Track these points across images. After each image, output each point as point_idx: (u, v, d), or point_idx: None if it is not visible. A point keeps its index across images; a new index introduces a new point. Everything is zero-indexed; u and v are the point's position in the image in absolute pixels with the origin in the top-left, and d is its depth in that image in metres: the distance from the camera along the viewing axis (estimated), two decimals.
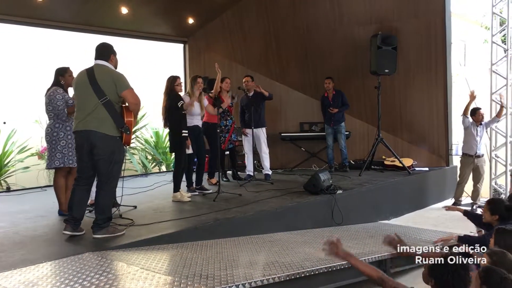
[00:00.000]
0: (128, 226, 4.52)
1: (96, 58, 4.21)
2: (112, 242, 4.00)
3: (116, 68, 4.30)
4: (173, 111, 5.80)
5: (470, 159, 7.52)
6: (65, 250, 3.78)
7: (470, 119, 7.52)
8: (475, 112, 7.49)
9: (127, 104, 4.24)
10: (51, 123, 5.07)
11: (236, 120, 7.72)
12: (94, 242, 4.02)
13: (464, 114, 7.50)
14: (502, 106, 7.51)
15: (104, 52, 4.23)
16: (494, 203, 4.51)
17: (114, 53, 4.30)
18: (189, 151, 6.18)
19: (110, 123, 4.05)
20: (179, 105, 5.74)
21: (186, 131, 5.88)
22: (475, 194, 7.53)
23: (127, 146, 4.36)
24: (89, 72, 4.11)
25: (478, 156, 7.49)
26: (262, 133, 7.56)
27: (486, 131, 7.57)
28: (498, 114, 7.47)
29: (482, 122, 7.48)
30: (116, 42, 10.10)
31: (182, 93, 6.09)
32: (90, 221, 4.23)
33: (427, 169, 8.41)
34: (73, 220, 4.14)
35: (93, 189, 4.33)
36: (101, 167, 4.10)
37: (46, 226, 4.71)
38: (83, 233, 4.22)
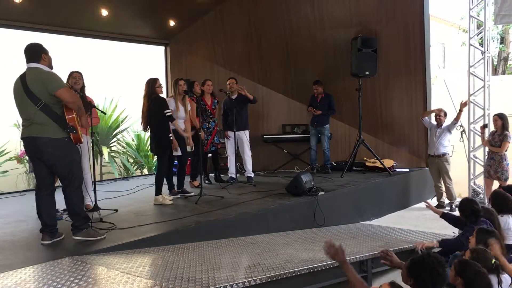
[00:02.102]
0: (109, 230, 4.48)
1: (27, 62, 4.03)
2: (92, 246, 3.96)
3: (51, 66, 4.11)
4: (158, 115, 5.76)
5: (432, 159, 7.76)
6: (44, 255, 3.73)
7: (434, 121, 7.73)
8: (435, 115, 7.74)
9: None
10: None
11: (219, 123, 7.70)
12: (74, 247, 3.97)
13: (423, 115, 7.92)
14: (460, 111, 7.61)
15: (34, 53, 4.04)
16: (463, 204, 4.58)
17: (45, 51, 4.09)
18: (178, 152, 6.17)
19: (53, 126, 3.93)
20: (166, 114, 5.71)
21: (171, 135, 5.87)
22: (447, 193, 7.69)
23: (80, 144, 4.21)
24: (22, 79, 3.96)
25: (438, 156, 7.64)
26: (245, 136, 7.54)
27: (450, 133, 7.65)
28: (456, 118, 7.58)
29: (443, 125, 7.62)
30: (96, 44, 10.06)
31: (163, 95, 6.06)
32: (68, 225, 4.18)
33: (407, 170, 8.52)
34: (47, 228, 4.07)
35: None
36: (58, 171, 4.04)
37: (25, 231, 4.64)
38: (62, 237, 4.16)
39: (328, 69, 8.99)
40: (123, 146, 10.65)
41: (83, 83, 5.34)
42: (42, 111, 3.89)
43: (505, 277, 3.30)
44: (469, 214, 4.37)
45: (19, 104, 4.04)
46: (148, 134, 10.41)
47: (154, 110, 5.76)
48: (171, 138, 5.86)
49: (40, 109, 3.88)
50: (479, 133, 8.03)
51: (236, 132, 7.37)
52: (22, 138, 4.06)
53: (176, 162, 6.51)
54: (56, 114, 3.95)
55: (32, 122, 3.93)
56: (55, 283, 3.07)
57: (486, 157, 7.35)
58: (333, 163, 8.62)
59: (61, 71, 4.19)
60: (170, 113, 5.78)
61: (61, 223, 4.35)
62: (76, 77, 5.25)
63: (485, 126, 7.53)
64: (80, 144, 4.21)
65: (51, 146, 3.93)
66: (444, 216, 4.97)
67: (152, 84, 5.84)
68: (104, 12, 7.81)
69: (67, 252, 3.78)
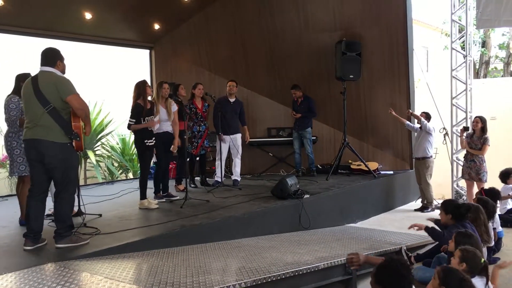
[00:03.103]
0: (93, 235, 4.43)
1: (41, 65, 4.08)
2: (75, 251, 3.91)
3: (63, 73, 4.17)
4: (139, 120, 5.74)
5: (416, 161, 7.92)
6: (27, 261, 3.67)
7: (416, 125, 7.89)
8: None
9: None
10: (7, 130, 4.95)
11: (210, 126, 7.61)
12: (57, 252, 3.92)
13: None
14: (416, 117, 7.73)
15: (50, 58, 4.10)
16: (445, 204, 4.67)
17: (61, 58, 4.17)
18: (153, 159, 6.14)
19: (58, 131, 3.96)
20: (141, 120, 5.69)
21: (151, 141, 5.82)
22: (422, 196, 7.81)
23: (81, 152, 4.25)
24: (33, 80, 4.01)
25: (418, 159, 7.77)
26: (238, 138, 7.55)
27: (431, 134, 7.73)
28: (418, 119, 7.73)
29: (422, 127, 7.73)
30: (80, 48, 9.99)
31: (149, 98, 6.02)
32: (52, 230, 4.13)
33: (391, 172, 8.59)
34: (32, 233, 4.02)
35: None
36: (55, 176, 4.03)
37: (6, 236, 4.57)
38: (45, 243, 4.11)
39: (312, 73, 9.04)
40: (107, 150, 10.58)
41: None
42: (49, 115, 3.93)
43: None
44: (454, 210, 4.47)
45: (26, 104, 4.08)
46: (133, 137, 10.43)
47: (133, 114, 5.74)
48: (151, 143, 5.81)
49: (48, 112, 3.92)
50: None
51: (232, 135, 7.36)
52: (24, 139, 4.07)
53: (154, 165, 6.47)
54: (62, 119, 3.99)
55: (36, 124, 3.96)
56: None
57: (465, 159, 7.41)
58: (318, 166, 8.67)
59: None
60: (131, 122, 5.72)
61: (43, 228, 4.27)
62: None
63: (465, 129, 7.62)
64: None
65: (53, 149, 3.95)
66: (427, 230, 4.93)
67: (139, 87, 5.80)
68: (88, 16, 7.77)
69: (50, 258, 3.73)
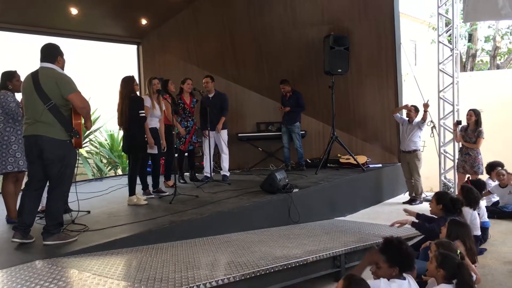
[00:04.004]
0: (81, 232, 4.42)
1: (41, 60, 4.09)
2: (63, 248, 3.90)
3: (63, 69, 4.19)
4: (134, 114, 5.69)
5: (403, 154, 7.96)
6: (14, 259, 3.66)
7: (405, 117, 7.92)
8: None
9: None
10: (2, 127, 4.89)
11: (197, 121, 7.62)
12: (45, 249, 3.90)
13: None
14: (425, 111, 7.73)
15: (50, 53, 4.11)
16: (440, 194, 4.74)
17: (61, 54, 4.18)
18: (154, 151, 6.13)
19: (58, 127, 3.97)
20: (140, 115, 5.67)
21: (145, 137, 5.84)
22: (414, 188, 7.89)
23: (79, 150, 4.26)
24: (34, 76, 4.00)
25: (409, 152, 7.81)
26: (224, 134, 7.51)
27: (421, 129, 7.81)
28: (423, 118, 7.72)
29: (414, 121, 7.78)
30: (66, 43, 9.89)
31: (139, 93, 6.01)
32: (40, 228, 4.11)
33: (380, 165, 8.65)
34: (23, 226, 4.01)
35: (44, 194, 4.21)
36: (51, 172, 4.01)
37: None
38: (33, 240, 4.09)
39: (301, 67, 9.05)
40: (95, 147, 10.52)
41: None
42: (50, 111, 3.93)
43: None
44: (447, 203, 4.53)
45: (26, 100, 4.08)
46: (121, 133, 10.36)
47: (131, 109, 5.69)
48: (145, 138, 5.82)
49: (49, 109, 3.92)
50: (449, 129, 8.20)
51: (213, 131, 7.35)
52: (24, 136, 4.08)
53: (150, 161, 6.46)
54: (63, 116, 4.00)
55: (37, 121, 3.96)
56: (24, 286, 3.02)
57: (460, 152, 7.47)
58: (307, 160, 8.69)
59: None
60: (143, 115, 5.73)
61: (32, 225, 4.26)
62: None
63: (458, 122, 7.63)
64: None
65: (53, 145, 3.96)
66: (414, 224, 4.96)
67: (130, 83, 5.78)
68: (74, 11, 7.69)
69: (38, 255, 3.71)
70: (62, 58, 4.19)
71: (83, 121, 4.22)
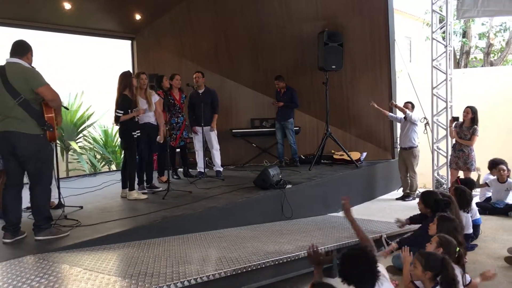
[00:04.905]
0: (74, 227, 4.42)
1: (10, 55, 4.04)
2: (55, 244, 3.90)
3: (30, 65, 4.12)
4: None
5: (400, 151, 8.06)
6: (5, 254, 3.66)
7: (400, 115, 8.00)
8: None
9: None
10: None
11: (187, 117, 7.63)
12: (36, 244, 3.90)
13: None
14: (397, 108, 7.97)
15: (21, 49, 4.06)
16: (425, 196, 4.77)
17: (31, 50, 4.12)
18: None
19: (30, 122, 3.93)
20: (116, 114, 5.65)
21: (138, 132, 5.82)
22: (410, 185, 7.93)
23: (54, 143, 4.21)
24: (1, 72, 3.94)
25: (405, 149, 7.86)
26: (212, 130, 7.53)
27: (416, 124, 7.85)
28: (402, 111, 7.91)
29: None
30: (61, 38, 9.85)
31: None
32: (31, 223, 4.10)
33: (374, 162, 8.67)
34: (11, 226, 4.00)
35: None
36: (28, 168, 4.00)
37: None
38: (24, 236, 4.09)
39: (295, 63, 9.05)
40: (89, 142, 10.48)
41: None
42: (20, 106, 3.88)
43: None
44: (432, 204, 4.55)
45: None
46: (115, 129, 10.34)
47: (121, 105, 5.68)
48: (138, 134, 5.80)
49: (19, 104, 3.88)
50: (442, 125, 8.24)
51: (204, 127, 7.35)
52: None
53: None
54: (34, 110, 3.95)
55: (7, 116, 3.91)
56: (15, 281, 3.02)
57: (453, 149, 7.50)
58: (301, 156, 8.70)
59: None
60: (119, 114, 5.67)
61: (23, 221, 4.25)
62: None
63: (455, 119, 7.62)
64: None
65: (26, 141, 3.91)
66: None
67: (126, 78, 5.76)
68: (67, 6, 7.63)
69: (29, 250, 3.72)
70: (31, 56, 4.14)
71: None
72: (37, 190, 4.04)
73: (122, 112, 5.66)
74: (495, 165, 7.01)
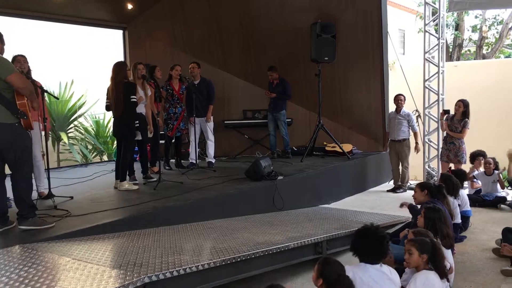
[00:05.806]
0: (63, 217, 4.40)
1: None
2: (44, 234, 3.88)
3: (1, 54, 4.04)
4: (128, 99, 5.63)
5: (392, 143, 8.02)
6: None
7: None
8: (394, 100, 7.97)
9: None
10: None
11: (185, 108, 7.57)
12: (25, 234, 3.88)
13: None
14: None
15: None
16: (423, 183, 4.83)
17: (3, 42, 4.05)
18: (138, 137, 6.10)
19: (3, 111, 3.84)
20: (131, 100, 5.61)
21: (137, 122, 5.82)
22: (401, 177, 7.99)
23: (30, 130, 4.14)
24: None
25: (399, 141, 7.88)
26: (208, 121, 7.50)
27: (408, 119, 7.87)
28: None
29: (402, 111, 7.84)
30: (51, 28, 9.75)
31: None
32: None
33: (365, 153, 8.69)
34: None
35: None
36: (6, 157, 3.95)
37: None
38: (13, 225, 4.06)
39: (288, 54, 9.03)
40: (81, 133, 10.42)
41: (29, 66, 5.17)
42: None
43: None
44: (431, 188, 4.64)
45: None
46: (107, 119, 10.29)
47: (126, 94, 5.61)
48: (137, 124, 5.79)
49: None
50: (434, 118, 8.27)
51: (199, 118, 7.32)
52: None
53: (136, 148, 6.43)
54: (6, 99, 3.86)
55: None
56: (3, 271, 3.00)
57: (444, 141, 7.53)
58: (293, 147, 8.70)
59: (12, 55, 4.05)
60: (135, 100, 5.68)
61: (10, 211, 4.23)
62: (20, 60, 5.06)
63: (446, 111, 7.65)
64: (30, 131, 4.12)
65: (1, 131, 3.84)
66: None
67: (123, 68, 5.72)
68: None
69: (17, 240, 3.69)
70: (3, 44, 4.06)
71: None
72: (17, 179, 3.99)
73: (135, 97, 5.65)
74: (474, 157, 7.09)
